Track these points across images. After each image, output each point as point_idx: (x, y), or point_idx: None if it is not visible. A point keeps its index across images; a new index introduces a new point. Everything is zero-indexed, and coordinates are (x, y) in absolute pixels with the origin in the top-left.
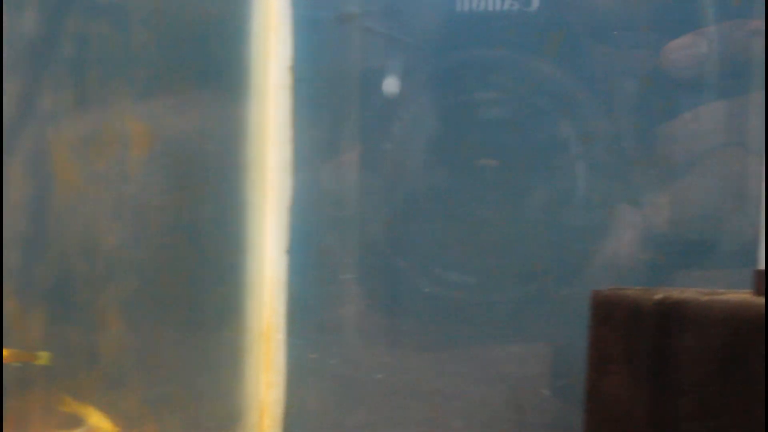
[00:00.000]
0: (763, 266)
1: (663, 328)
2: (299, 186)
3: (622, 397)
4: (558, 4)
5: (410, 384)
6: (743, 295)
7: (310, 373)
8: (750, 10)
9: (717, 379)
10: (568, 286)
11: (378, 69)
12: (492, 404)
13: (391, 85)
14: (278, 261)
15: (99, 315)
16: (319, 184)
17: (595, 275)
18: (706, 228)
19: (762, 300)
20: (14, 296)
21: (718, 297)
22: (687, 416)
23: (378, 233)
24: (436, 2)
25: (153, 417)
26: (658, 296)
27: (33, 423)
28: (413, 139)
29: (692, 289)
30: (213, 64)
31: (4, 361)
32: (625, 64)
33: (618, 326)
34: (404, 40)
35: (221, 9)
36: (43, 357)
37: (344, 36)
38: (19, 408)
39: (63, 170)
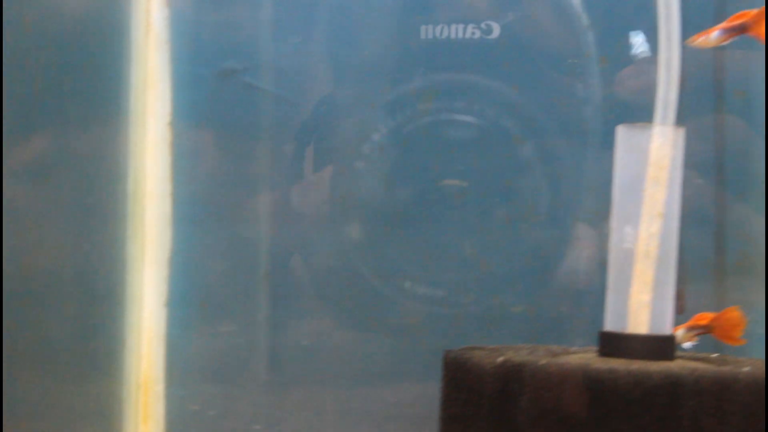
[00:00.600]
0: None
1: (503, 391)
2: (179, 239)
3: None
4: (518, 33)
5: None
6: (588, 355)
7: (191, 425)
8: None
9: None
10: (525, 303)
11: (258, 123)
12: None
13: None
14: (157, 313)
15: None
16: (199, 237)
17: (552, 293)
18: None
19: (602, 362)
20: None
21: (555, 360)
22: None
23: (257, 285)
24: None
25: None
26: (500, 359)
27: None
28: (296, 188)
29: (544, 347)
30: (92, 119)
31: None
32: (581, 91)
33: (463, 388)
34: (285, 96)
35: (100, 65)
36: None
37: (225, 92)
38: None
39: None
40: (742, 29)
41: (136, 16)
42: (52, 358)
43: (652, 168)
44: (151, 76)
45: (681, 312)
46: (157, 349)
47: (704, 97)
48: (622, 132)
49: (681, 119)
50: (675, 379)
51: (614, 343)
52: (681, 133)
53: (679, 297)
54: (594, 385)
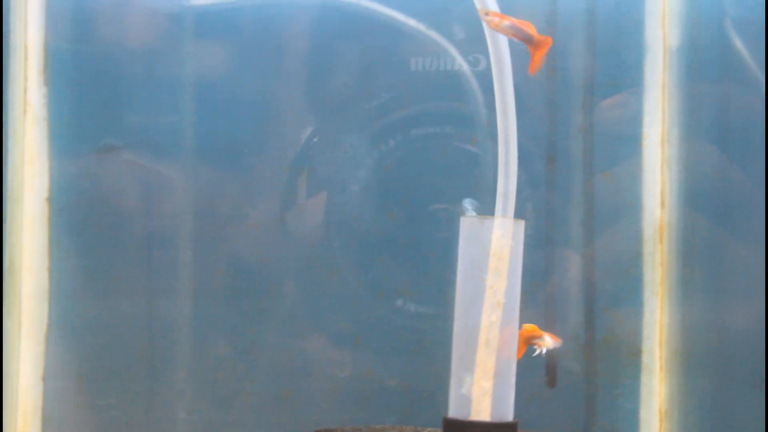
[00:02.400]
0: None
1: None
2: (55, 313)
3: None
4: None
5: None
6: None
7: None
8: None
9: None
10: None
11: (136, 199)
12: None
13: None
14: (34, 388)
15: None
16: (76, 311)
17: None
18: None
19: None
20: None
21: None
22: None
23: (135, 359)
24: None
25: None
26: None
27: None
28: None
29: (398, 428)
30: None
31: None
32: (563, 120)
33: None
34: (163, 172)
35: None
36: None
37: (104, 167)
38: None
39: None
40: (525, 39)
41: (13, 95)
42: None
43: (492, 259)
44: (29, 152)
45: (552, 386)
46: (33, 423)
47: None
48: (464, 223)
49: None
50: None
51: (458, 430)
52: (521, 224)
53: (549, 372)
54: None
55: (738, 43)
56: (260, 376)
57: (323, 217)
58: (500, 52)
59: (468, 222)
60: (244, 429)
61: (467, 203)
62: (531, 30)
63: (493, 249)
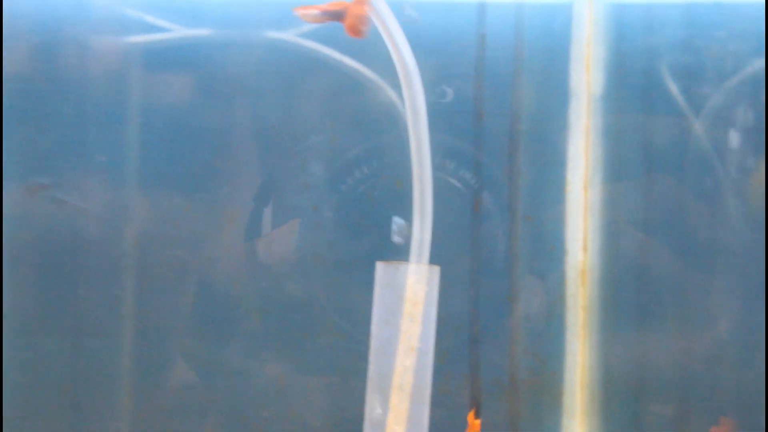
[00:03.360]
0: None
1: None
2: None
3: None
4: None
5: None
6: None
7: None
8: None
9: None
10: None
11: (67, 238)
12: None
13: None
14: None
15: None
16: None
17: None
18: None
19: None
20: None
21: None
22: None
23: (56, 398)
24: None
25: None
26: None
27: None
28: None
29: None
30: None
31: None
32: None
33: None
34: (93, 211)
35: None
36: None
37: (33, 207)
38: None
39: None
40: (337, 16)
41: None
42: None
43: (407, 304)
44: None
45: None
46: None
47: None
48: (379, 269)
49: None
50: None
51: None
52: (436, 270)
53: (474, 411)
54: None
55: (662, 87)
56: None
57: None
58: (414, 95)
59: (383, 267)
60: None
61: (395, 222)
62: (336, 7)
63: (407, 294)
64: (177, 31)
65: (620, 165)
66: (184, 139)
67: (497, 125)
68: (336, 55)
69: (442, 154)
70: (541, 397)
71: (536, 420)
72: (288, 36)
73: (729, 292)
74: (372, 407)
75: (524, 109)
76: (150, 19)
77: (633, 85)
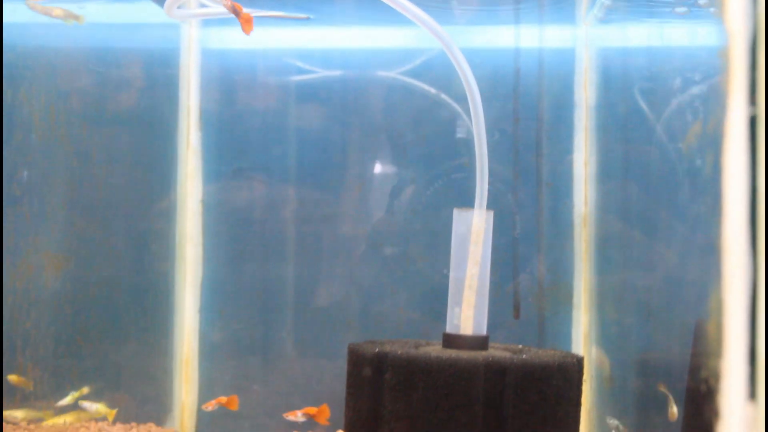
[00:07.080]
0: None
1: (376, 369)
2: (209, 272)
3: (362, 409)
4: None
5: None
6: (436, 347)
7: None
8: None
9: (405, 401)
10: None
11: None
12: None
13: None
14: (193, 316)
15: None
16: (223, 270)
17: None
18: None
19: (442, 351)
20: None
21: (408, 350)
22: (390, 418)
23: (255, 298)
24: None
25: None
26: (376, 349)
27: None
28: None
29: (414, 341)
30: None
31: None
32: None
33: (357, 367)
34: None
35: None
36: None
37: (235, 182)
38: None
39: None
40: (234, 12)
41: (180, 136)
42: (128, 341)
43: (473, 235)
44: (189, 172)
45: (517, 317)
46: (193, 338)
47: None
48: (456, 213)
49: None
50: (491, 361)
51: (451, 340)
52: (490, 214)
53: (516, 307)
54: (435, 364)
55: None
56: None
57: None
58: (476, 102)
59: (458, 212)
60: None
61: None
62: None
63: (473, 229)
64: (320, 72)
65: (607, 152)
66: (328, 147)
67: (528, 126)
68: (425, 86)
69: (493, 142)
70: (558, 298)
71: (555, 313)
72: (392, 74)
73: None
74: (452, 298)
75: (545, 114)
76: (300, 64)
77: (615, 100)
